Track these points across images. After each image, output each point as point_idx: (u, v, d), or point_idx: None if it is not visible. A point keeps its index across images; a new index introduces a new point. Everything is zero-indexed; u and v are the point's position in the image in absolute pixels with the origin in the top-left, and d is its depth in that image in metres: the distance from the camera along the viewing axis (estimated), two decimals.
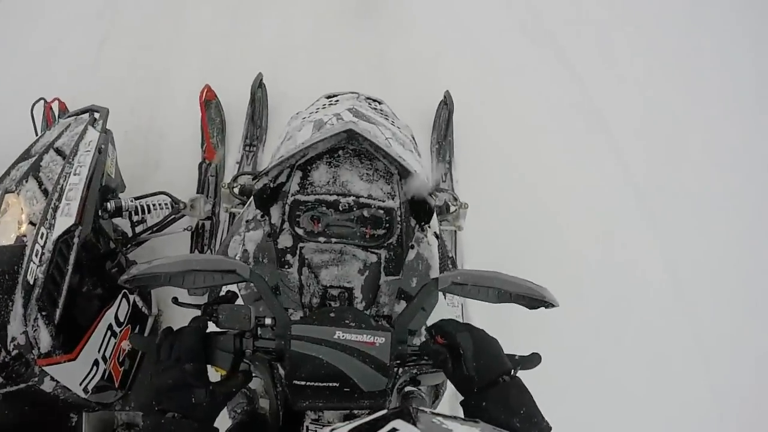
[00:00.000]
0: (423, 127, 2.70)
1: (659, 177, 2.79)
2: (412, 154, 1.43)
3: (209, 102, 2.61)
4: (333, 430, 0.69)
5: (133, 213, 2.01)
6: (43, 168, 1.67)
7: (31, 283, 1.40)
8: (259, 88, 2.65)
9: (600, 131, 2.90)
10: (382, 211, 1.13)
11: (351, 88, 1.84)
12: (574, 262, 2.45)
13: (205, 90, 2.51)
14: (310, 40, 3.11)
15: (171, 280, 0.88)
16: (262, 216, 1.20)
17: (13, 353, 1.38)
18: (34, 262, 1.42)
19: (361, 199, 1.12)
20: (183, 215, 2.15)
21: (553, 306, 0.98)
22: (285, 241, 1.15)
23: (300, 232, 1.13)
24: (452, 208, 2.06)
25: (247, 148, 2.59)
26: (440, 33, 3.19)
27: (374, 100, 1.70)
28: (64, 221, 1.53)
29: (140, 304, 1.92)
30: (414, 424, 0.67)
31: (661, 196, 2.72)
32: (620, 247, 2.55)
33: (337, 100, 1.64)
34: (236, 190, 1.92)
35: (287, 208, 1.13)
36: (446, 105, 2.64)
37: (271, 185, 1.16)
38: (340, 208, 1.12)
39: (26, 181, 1.61)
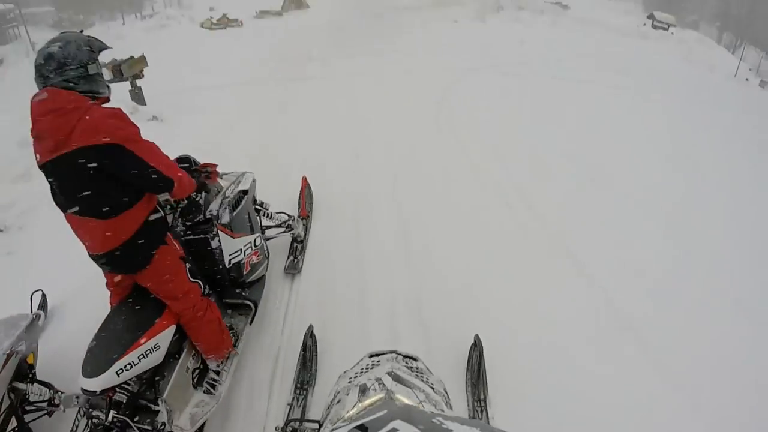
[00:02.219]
0: (458, 365, 3.05)
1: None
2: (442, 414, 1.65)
3: (306, 186, 4.70)
4: (333, 430, 0.77)
5: (264, 213, 3.81)
6: (222, 179, 3.23)
7: (226, 195, 3.05)
8: (310, 337, 3.08)
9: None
10: None
11: (391, 335, 2.21)
12: None
13: (304, 179, 4.79)
14: (357, 289, 3.73)
15: None
16: None
17: (208, 216, 2.84)
18: (229, 191, 3.15)
19: None
20: (291, 228, 4.04)
21: None
22: None
23: None
24: None
25: (298, 391, 2.88)
26: (468, 267, 3.87)
27: (411, 358, 2.01)
28: (241, 186, 3.29)
29: (265, 247, 3.46)
30: (414, 424, 0.75)
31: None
32: None
33: (379, 361, 1.94)
34: None
35: None
36: (476, 347, 3.00)
37: None
38: None
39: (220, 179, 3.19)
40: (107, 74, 6.93)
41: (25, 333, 2.62)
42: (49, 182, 2.15)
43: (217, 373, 2.71)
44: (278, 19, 28.12)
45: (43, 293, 3.51)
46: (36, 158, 2.12)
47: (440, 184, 5.01)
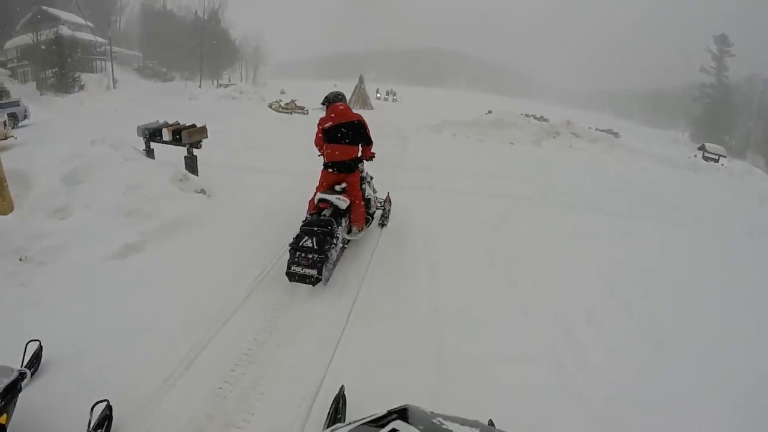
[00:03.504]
0: None
1: None
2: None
3: (388, 199, 7.25)
4: (334, 430, 0.78)
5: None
6: None
7: (368, 173, 6.49)
8: (341, 398, 3.03)
9: None
10: None
11: None
12: None
13: (388, 194, 7.34)
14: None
15: None
16: None
17: (363, 175, 6.13)
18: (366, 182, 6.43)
19: None
20: (383, 207, 6.97)
21: None
22: None
23: None
24: None
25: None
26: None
27: None
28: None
29: (376, 203, 6.78)
30: (414, 424, 0.76)
31: None
32: None
33: None
34: None
35: None
36: None
37: None
38: None
39: None
40: (166, 135, 7.25)
41: (4, 391, 2.51)
42: (332, 131, 5.39)
43: (356, 233, 5.68)
44: None
45: (39, 344, 3.33)
46: (327, 125, 5.41)
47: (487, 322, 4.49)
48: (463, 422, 1.03)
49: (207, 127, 7.90)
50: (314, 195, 5.36)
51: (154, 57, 56.53)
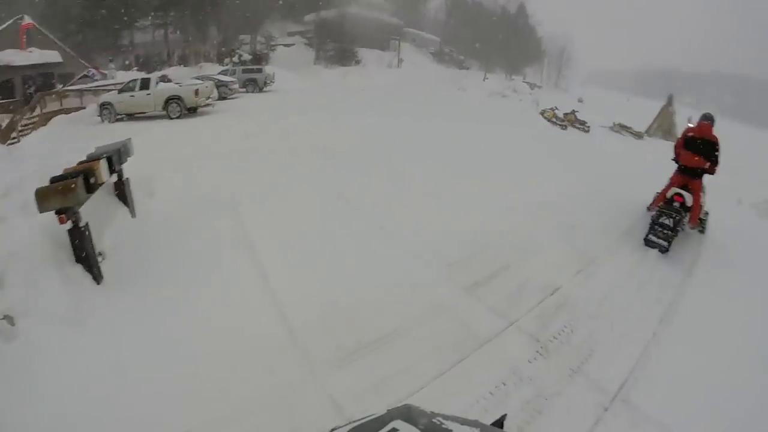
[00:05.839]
0: None
1: None
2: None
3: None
4: (334, 429, 0.91)
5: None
6: None
7: None
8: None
9: None
10: None
11: None
12: None
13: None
14: None
15: None
16: None
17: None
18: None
19: None
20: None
21: None
22: None
23: None
24: None
25: None
26: None
27: None
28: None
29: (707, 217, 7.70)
30: (414, 423, 0.89)
31: None
32: None
33: None
34: None
35: None
36: None
37: None
38: None
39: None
40: None
41: None
42: (691, 141, 6.52)
43: (690, 228, 6.51)
44: (636, 142, 22.55)
45: None
46: (689, 134, 6.63)
47: None
48: (463, 422, 1.03)
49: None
50: (665, 190, 6.54)
51: (453, 44, 56.45)
